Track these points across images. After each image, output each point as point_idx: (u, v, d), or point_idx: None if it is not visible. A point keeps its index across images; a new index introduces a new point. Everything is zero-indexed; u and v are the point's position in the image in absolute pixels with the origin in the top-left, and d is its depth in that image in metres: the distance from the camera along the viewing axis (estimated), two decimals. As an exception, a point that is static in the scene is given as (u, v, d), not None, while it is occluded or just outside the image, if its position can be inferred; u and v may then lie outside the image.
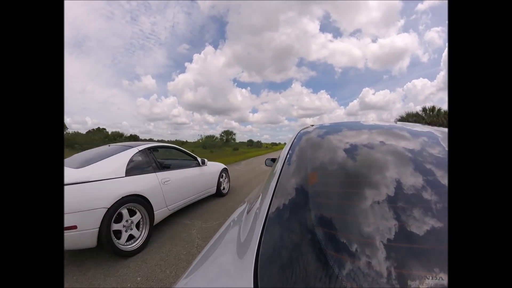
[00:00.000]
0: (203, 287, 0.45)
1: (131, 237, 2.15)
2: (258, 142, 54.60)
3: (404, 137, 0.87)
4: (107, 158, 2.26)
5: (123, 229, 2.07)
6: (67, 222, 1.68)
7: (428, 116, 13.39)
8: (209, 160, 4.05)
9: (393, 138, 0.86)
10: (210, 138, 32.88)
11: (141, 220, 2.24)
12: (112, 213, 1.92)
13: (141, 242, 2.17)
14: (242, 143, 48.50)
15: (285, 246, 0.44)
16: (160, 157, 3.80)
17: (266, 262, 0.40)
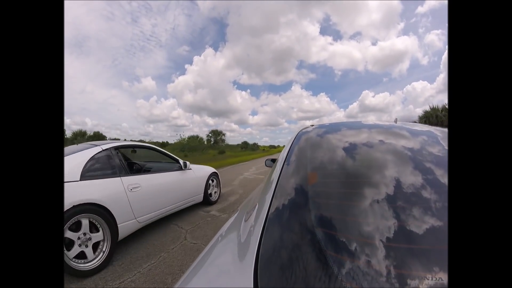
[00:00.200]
0: (203, 287, 0.45)
1: (82, 255, 1.72)
2: (255, 144, 46.94)
3: (403, 136, 0.87)
4: None
5: (77, 241, 1.69)
6: None
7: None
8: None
9: (393, 137, 0.86)
10: (193, 139, 25.78)
11: (101, 241, 1.85)
12: None
13: (97, 264, 1.77)
14: (237, 145, 40.96)
15: (285, 246, 0.44)
16: (140, 159, 3.43)
17: (266, 262, 0.40)
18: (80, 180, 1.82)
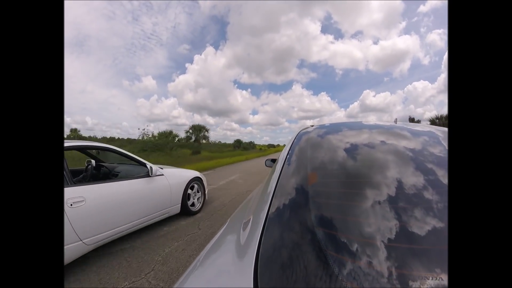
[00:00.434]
0: (203, 287, 0.45)
1: None
2: (250, 143, 40.85)
3: (404, 136, 0.87)
4: None
5: None
6: None
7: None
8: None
9: (393, 137, 0.86)
10: (164, 135, 19.22)
11: None
12: None
13: None
14: (229, 144, 33.86)
15: (285, 246, 0.44)
16: (115, 160, 2.91)
17: (266, 262, 0.40)
18: None
